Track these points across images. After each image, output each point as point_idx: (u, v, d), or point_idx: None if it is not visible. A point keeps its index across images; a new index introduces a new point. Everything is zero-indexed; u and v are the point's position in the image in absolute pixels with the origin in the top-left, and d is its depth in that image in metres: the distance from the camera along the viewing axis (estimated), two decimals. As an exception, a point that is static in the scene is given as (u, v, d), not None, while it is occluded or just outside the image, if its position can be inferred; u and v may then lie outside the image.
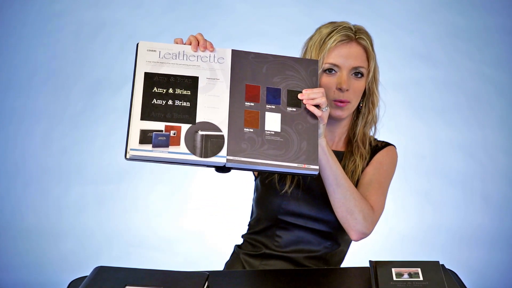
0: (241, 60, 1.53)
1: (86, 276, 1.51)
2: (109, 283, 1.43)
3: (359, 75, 1.72)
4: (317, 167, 1.46)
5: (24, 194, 3.86)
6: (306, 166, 1.46)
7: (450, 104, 3.92)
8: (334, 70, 1.71)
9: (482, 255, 3.60)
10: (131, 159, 1.42)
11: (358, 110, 1.81)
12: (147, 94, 1.47)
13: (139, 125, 1.44)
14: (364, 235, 1.68)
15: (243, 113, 1.48)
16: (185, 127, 1.44)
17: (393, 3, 3.95)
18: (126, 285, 1.41)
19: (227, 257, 1.93)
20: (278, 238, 1.79)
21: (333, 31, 1.73)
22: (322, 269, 1.74)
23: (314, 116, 1.50)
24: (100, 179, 3.88)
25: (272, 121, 1.49)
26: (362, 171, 1.79)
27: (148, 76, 1.49)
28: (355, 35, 1.73)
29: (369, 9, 3.95)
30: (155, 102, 1.46)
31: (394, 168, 1.85)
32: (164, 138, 1.43)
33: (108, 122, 3.94)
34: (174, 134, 1.44)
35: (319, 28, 1.78)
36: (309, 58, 1.74)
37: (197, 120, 1.46)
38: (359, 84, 1.73)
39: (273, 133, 1.48)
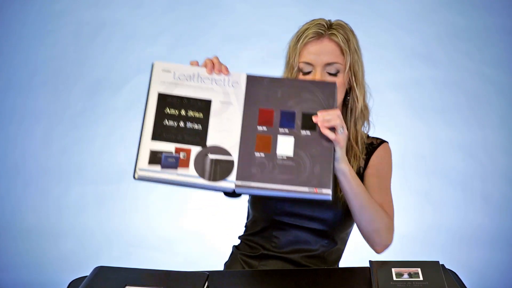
0: (255, 85, 1.51)
1: (86, 276, 1.51)
2: (109, 283, 1.43)
3: (335, 72, 1.69)
4: (329, 191, 1.41)
5: (24, 194, 3.86)
6: (318, 190, 1.42)
7: (450, 104, 3.92)
8: (309, 70, 1.69)
9: (482, 255, 3.60)
10: (139, 179, 1.41)
11: (347, 107, 1.79)
12: (160, 115, 1.47)
13: (149, 145, 1.43)
14: (387, 247, 1.70)
15: (255, 137, 1.46)
16: (195, 150, 1.43)
17: (393, 3, 3.95)
18: (126, 285, 1.41)
19: (227, 257, 1.93)
20: (275, 239, 1.79)
21: (306, 29, 1.71)
22: (322, 269, 1.74)
23: (329, 139, 1.45)
24: (100, 179, 3.88)
25: (285, 145, 1.46)
26: (357, 171, 1.79)
27: (162, 97, 1.50)
28: (328, 30, 1.70)
29: (369, 9, 3.95)
30: (167, 124, 1.46)
31: (392, 165, 1.85)
32: (174, 160, 1.42)
33: (108, 122, 3.94)
34: (184, 156, 1.43)
35: (301, 26, 1.76)
36: (288, 58, 1.73)
37: (208, 144, 1.44)
38: (336, 81, 1.68)
39: (285, 158, 1.44)
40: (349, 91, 1.76)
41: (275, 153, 1.45)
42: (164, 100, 1.49)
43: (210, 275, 1.47)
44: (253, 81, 1.52)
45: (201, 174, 1.41)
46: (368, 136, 1.85)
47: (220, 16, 3.98)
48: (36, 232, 3.73)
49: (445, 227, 3.74)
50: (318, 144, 1.46)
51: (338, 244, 1.82)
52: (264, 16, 3.95)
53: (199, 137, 1.45)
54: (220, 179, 1.41)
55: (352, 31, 1.75)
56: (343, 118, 1.78)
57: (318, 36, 1.70)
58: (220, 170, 1.42)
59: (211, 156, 1.43)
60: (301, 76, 1.71)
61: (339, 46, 1.70)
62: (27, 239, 3.70)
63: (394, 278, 1.45)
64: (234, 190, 1.42)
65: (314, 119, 1.47)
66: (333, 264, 1.84)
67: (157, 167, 1.41)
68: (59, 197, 3.85)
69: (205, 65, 1.54)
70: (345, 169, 1.53)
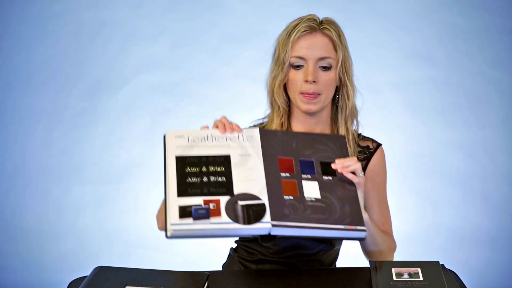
0: (269, 137, 1.53)
1: (86, 276, 1.51)
2: (109, 283, 1.43)
3: (327, 66, 1.68)
4: (364, 228, 1.43)
5: (24, 194, 3.85)
6: (353, 227, 1.42)
7: (450, 104, 3.92)
8: (301, 64, 1.68)
9: (482, 255, 3.60)
10: (173, 236, 1.36)
11: (336, 105, 1.77)
12: (181, 175, 1.45)
13: (176, 201, 1.40)
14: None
15: (280, 182, 1.46)
16: (224, 199, 1.41)
17: (393, 3, 3.95)
18: (126, 285, 1.41)
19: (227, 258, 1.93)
20: (273, 246, 1.77)
21: (297, 24, 1.71)
22: (322, 269, 1.74)
23: (350, 182, 1.48)
24: (100, 179, 3.88)
25: (311, 189, 1.46)
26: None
27: (180, 159, 1.48)
28: (320, 25, 1.70)
29: (369, 9, 3.95)
30: (190, 181, 1.44)
31: (386, 171, 1.83)
32: (204, 211, 1.38)
33: (108, 122, 3.93)
34: (214, 206, 1.39)
35: (290, 23, 1.76)
36: (278, 54, 1.73)
37: (235, 192, 1.43)
38: (328, 76, 1.68)
39: (313, 199, 1.44)
40: (339, 88, 1.74)
41: (303, 196, 1.44)
42: (183, 161, 1.47)
43: (210, 275, 1.47)
44: (266, 134, 1.54)
45: (235, 219, 1.37)
46: (362, 137, 1.83)
47: (220, 16, 3.97)
48: (36, 232, 3.73)
49: (445, 227, 3.74)
50: (342, 187, 1.47)
51: (336, 246, 1.82)
52: (264, 16, 3.95)
53: (225, 188, 1.43)
54: (255, 221, 1.38)
55: (341, 29, 1.74)
56: (334, 117, 1.78)
57: (311, 30, 1.69)
58: (253, 213, 1.39)
59: (241, 203, 1.40)
60: (292, 71, 1.69)
61: (332, 40, 1.69)
62: (27, 239, 3.69)
63: (394, 278, 1.45)
64: (270, 232, 1.38)
65: (333, 166, 1.50)
66: (331, 265, 1.84)
67: (189, 220, 1.36)
68: (59, 197, 3.85)
69: (216, 127, 1.55)
70: (364, 215, 1.54)
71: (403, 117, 3.90)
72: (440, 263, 1.52)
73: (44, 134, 3.93)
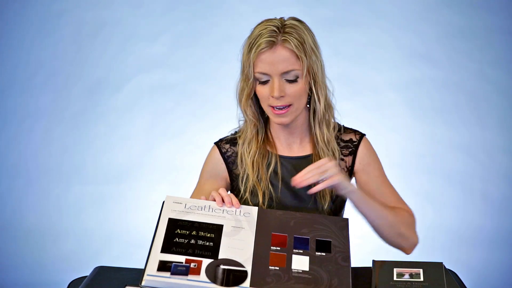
0: (267, 215, 1.52)
1: (86, 276, 1.51)
2: (109, 283, 1.43)
3: (293, 79, 1.63)
4: None
5: (24, 194, 3.86)
6: None
7: (450, 104, 3.92)
8: (267, 79, 1.64)
9: (482, 255, 3.60)
10: (145, 286, 1.35)
11: (309, 110, 1.74)
12: (170, 234, 1.44)
13: (159, 256, 1.39)
14: (416, 245, 1.73)
15: (268, 254, 1.44)
16: (206, 261, 1.40)
17: (393, 3, 3.95)
18: (126, 285, 1.41)
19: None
20: None
21: (258, 36, 1.65)
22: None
23: (345, 259, 1.45)
24: (100, 179, 3.88)
25: (300, 262, 1.44)
26: None
27: (172, 221, 1.47)
28: (280, 36, 1.63)
29: (369, 9, 3.95)
30: (177, 240, 1.43)
31: (377, 156, 1.81)
32: (184, 268, 1.37)
33: (108, 122, 3.93)
34: (195, 266, 1.39)
35: (254, 28, 1.71)
36: (243, 66, 1.68)
37: (220, 258, 1.42)
38: (296, 87, 1.63)
39: (300, 271, 1.42)
40: (310, 92, 1.71)
41: (290, 268, 1.42)
42: (175, 223, 1.47)
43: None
44: (264, 213, 1.53)
45: (213, 280, 1.36)
46: (344, 129, 1.81)
47: (220, 16, 3.97)
48: (36, 232, 3.73)
49: (445, 227, 3.74)
50: (334, 263, 1.44)
51: None
52: (264, 16, 3.93)
53: (211, 252, 1.42)
54: (233, 285, 1.36)
55: (306, 29, 1.67)
56: (308, 121, 1.76)
57: (271, 45, 1.62)
58: (233, 278, 1.38)
59: (223, 267, 1.39)
60: (259, 86, 1.66)
61: (293, 52, 1.62)
62: (27, 239, 3.69)
63: (395, 278, 1.44)
64: None
65: (292, 183, 1.50)
66: None
67: (167, 274, 1.36)
68: (59, 197, 3.85)
69: (213, 199, 1.54)
70: (356, 193, 1.55)
71: (403, 117, 3.90)
72: (441, 263, 1.52)
73: (44, 134, 3.93)
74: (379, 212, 1.62)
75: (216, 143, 1.82)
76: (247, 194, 1.73)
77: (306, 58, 1.63)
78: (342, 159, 1.77)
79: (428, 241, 3.70)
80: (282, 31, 1.63)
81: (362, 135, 1.80)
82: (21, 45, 3.97)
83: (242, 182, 1.75)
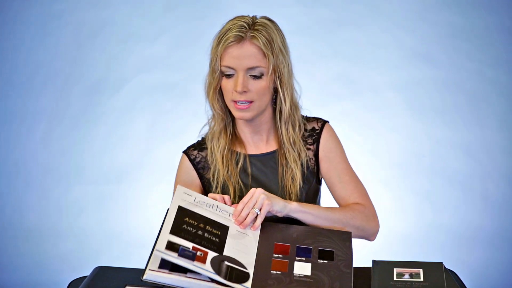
0: (271, 227, 1.55)
1: (86, 276, 1.51)
2: (109, 283, 1.43)
3: (258, 75, 1.65)
4: None
5: (24, 194, 3.86)
6: None
7: (450, 104, 3.92)
8: (232, 74, 1.65)
9: (482, 255, 3.60)
10: (147, 279, 1.36)
11: (275, 109, 1.76)
12: (179, 220, 1.46)
13: (168, 236, 1.41)
14: (377, 232, 1.71)
15: (270, 261, 1.47)
16: (212, 254, 1.43)
17: (393, 3, 3.95)
18: (126, 285, 1.41)
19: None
20: None
21: (228, 30, 1.66)
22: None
23: (347, 266, 1.46)
24: (100, 179, 3.88)
25: (302, 268, 1.46)
26: (306, 166, 1.77)
27: (182, 209, 1.50)
28: (249, 32, 1.65)
29: (369, 9, 3.95)
30: (186, 228, 1.45)
31: (341, 143, 1.82)
32: (191, 254, 1.40)
33: (108, 122, 3.93)
34: (201, 254, 1.41)
35: (225, 23, 1.72)
36: (210, 60, 1.69)
37: (225, 253, 1.44)
38: (260, 84, 1.65)
39: (302, 276, 1.44)
40: (275, 92, 1.73)
41: (292, 272, 1.45)
42: (184, 212, 1.49)
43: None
44: (268, 226, 1.55)
45: (217, 272, 1.38)
46: (306, 118, 1.82)
47: (220, 16, 3.96)
48: (36, 232, 3.73)
49: (445, 227, 3.74)
50: (337, 269, 1.46)
51: None
52: (264, 16, 3.94)
53: (216, 247, 1.44)
54: (236, 282, 1.39)
55: (276, 29, 1.70)
56: (273, 121, 1.77)
57: (239, 40, 1.64)
58: (236, 275, 1.40)
59: (228, 263, 1.42)
60: (224, 79, 1.67)
61: (260, 49, 1.64)
62: (27, 239, 3.69)
63: (395, 278, 1.44)
64: None
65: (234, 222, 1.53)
66: None
67: (174, 254, 1.38)
68: (59, 197, 3.85)
69: (222, 199, 1.59)
70: (294, 207, 1.57)
71: (403, 117, 3.90)
72: (441, 263, 1.52)
73: (44, 134, 3.93)
74: (329, 217, 1.63)
75: (185, 151, 1.84)
76: (218, 189, 1.75)
77: (273, 57, 1.65)
78: (309, 149, 1.78)
79: (428, 241, 3.71)
80: (252, 27, 1.66)
81: (324, 122, 1.81)
82: (21, 45, 3.96)
83: (213, 178, 1.77)
